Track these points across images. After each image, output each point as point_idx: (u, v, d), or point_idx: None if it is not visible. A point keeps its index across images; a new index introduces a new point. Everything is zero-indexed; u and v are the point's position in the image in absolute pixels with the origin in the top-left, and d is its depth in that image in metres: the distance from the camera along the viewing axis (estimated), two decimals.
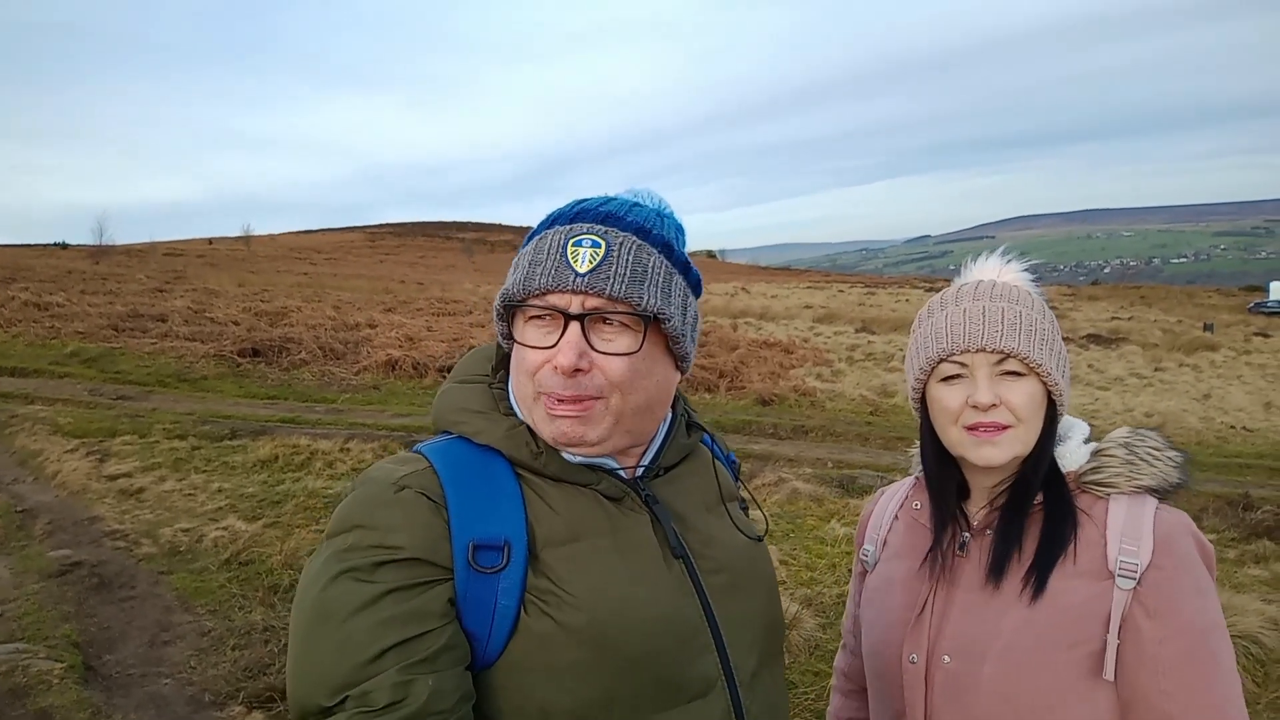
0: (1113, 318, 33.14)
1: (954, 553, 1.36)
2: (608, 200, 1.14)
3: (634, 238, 1.09)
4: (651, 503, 1.14)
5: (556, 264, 1.05)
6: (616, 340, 1.06)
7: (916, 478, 1.54)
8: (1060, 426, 1.38)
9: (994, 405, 1.27)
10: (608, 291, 1.04)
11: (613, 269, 1.05)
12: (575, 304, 1.05)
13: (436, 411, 1.19)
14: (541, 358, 1.06)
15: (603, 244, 1.06)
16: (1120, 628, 1.20)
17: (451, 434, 1.14)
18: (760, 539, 1.26)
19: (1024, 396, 1.29)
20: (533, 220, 1.20)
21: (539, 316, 1.07)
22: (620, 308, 1.06)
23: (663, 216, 1.16)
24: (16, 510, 7.23)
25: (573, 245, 1.06)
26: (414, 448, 1.13)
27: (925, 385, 1.38)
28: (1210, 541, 1.27)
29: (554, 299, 1.05)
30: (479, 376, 1.20)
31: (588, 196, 1.16)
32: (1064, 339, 1.39)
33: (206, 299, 26.62)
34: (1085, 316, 33.36)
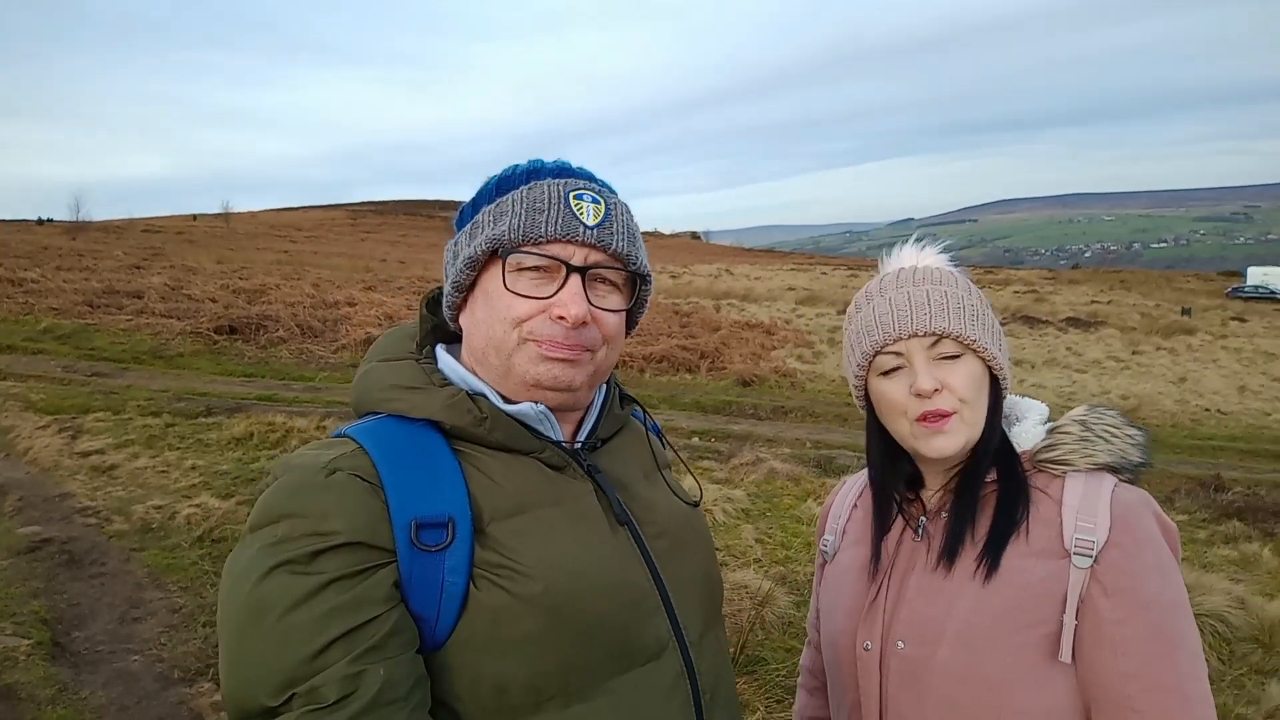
0: (1092, 301, 33.39)
1: (910, 538, 1.33)
2: (561, 163, 1.13)
3: (620, 200, 1.10)
4: (594, 471, 1.13)
5: (563, 214, 1.03)
6: (609, 297, 1.08)
7: None
8: (1018, 408, 1.36)
9: (937, 390, 1.23)
10: (612, 248, 1.05)
11: (615, 226, 1.06)
12: (579, 256, 1.04)
13: (360, 393, 1.12)
14: (535, 307, 1.04)
15: (601, 201, 1.07)
16: (1078, 608, 1.15)
17: (378, 415, 1.09)
18: (696, 504, 1.26)
19: (965, 377, 1.25)
20: None
21: (535, 267, 1.04)
22: (618, 265, 1.07)
23: None
24: None
25: (574, 198, 1.05)
26: (336, 432, 1.07)
27: (866, 381, 1.34)
28: (1180, 522, 1.26)
29: (556, 249, 1.04)
30: (405, 354, 1.15)
31: (538, 158, 1.13)
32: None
33: (184, 276, 26.36)
34: (1065, 300, 33.58)
